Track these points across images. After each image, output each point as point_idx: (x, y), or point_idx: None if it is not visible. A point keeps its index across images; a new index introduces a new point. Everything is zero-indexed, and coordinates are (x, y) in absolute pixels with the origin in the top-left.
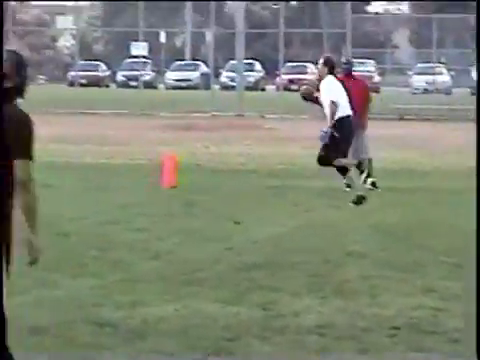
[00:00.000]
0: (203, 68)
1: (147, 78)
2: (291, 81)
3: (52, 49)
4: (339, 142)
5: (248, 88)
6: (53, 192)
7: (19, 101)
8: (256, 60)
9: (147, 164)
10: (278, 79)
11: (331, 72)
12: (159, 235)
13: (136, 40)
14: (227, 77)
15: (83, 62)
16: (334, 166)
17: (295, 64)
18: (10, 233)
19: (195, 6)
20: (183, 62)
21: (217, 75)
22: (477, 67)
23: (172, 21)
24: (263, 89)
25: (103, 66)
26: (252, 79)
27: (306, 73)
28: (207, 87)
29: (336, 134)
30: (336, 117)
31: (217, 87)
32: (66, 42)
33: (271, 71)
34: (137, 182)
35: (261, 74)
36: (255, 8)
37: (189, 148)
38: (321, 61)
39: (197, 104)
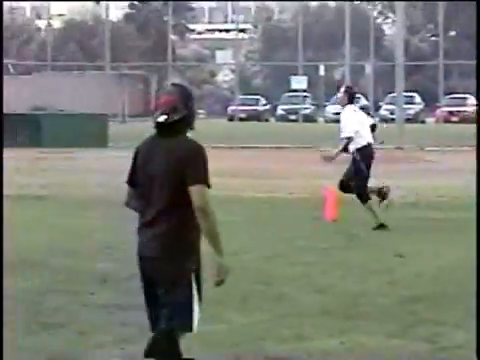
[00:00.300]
0: (363, 101)
1: (307, 111)
2: (451, 113)
3: (211, 84)
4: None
5: (408, 120)
6: None
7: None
8: (416, 92)
9: (308, 197)
10: (438, 111)
11: (351, 101)
12: (322, 269)
13: (295, 74)
14: (387, 110)
15: (242, 96)
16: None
17: (455, 96)
18: (199, 260)
19: (354, 39)
20: None
21: (377, 108)
22: (477, 68)
23: (331, 54)
24: (423, 121)
25: (262, 100)
26: (412, 111)
27: (466, 105)
28: None
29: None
30: (358, 146)
31: (377, 120)
32: (225, 77)
33: (430, 103)
34: (298, 216)
35: (421, 106)
36: (414, 40)
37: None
38: (342, 89)
39: None
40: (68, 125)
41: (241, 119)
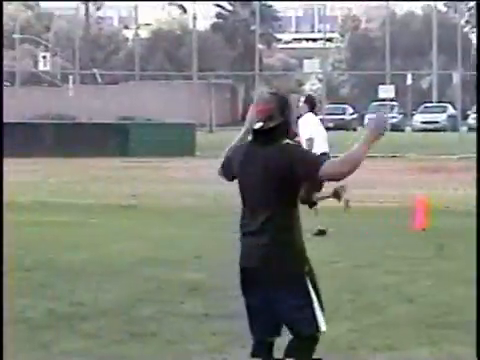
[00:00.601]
0: (450, 110)
1: (394, 121)
2: None
3: (298, 93)
4: None
5: None
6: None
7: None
8: None
9: (397, 207)
10: None
11: (311, 110)
12: (412, 278)
13: (383, 83)
14: (475, 119)
15: (330, 106)
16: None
17: None
18: (309, 263)
19: (441, 48)
20: (430, 104)
21: (465, 117)
22: (477, 71)
23: (418, 63)
24: None
25: (350, 109)
26: None
27: None
28: (454, 129)
29: None
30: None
31: (464, 129)
32: (312, 86)
33: None
34: (387, 225)
35: None
36: None
37: (438, 190)
38: (302, 99)
39: (445, 146)
40: (156, 134)
41: (328, 128)
